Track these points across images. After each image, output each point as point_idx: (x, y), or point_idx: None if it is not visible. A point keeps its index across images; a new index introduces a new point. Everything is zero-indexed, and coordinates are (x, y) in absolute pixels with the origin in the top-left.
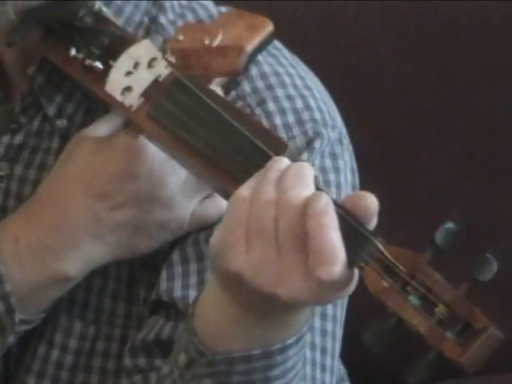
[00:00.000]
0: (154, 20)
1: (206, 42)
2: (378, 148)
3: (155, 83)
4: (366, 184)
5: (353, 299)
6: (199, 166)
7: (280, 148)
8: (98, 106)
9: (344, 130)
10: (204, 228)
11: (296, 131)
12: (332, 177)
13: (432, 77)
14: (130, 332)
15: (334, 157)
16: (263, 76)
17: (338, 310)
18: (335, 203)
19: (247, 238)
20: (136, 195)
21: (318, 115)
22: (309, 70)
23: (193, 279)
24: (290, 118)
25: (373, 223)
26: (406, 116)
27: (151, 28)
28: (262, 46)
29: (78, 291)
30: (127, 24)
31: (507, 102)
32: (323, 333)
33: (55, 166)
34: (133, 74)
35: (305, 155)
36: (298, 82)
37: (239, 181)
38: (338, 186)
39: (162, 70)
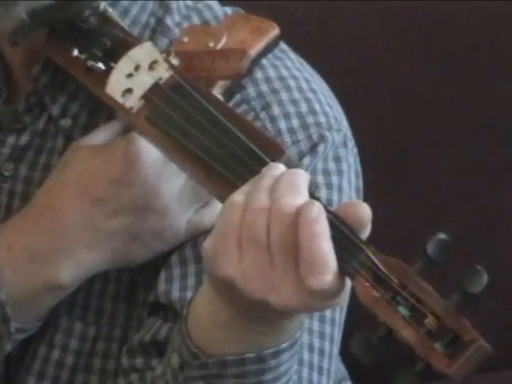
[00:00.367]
0: (160, 21)
1: (210, 44)
2: (377, 148)
3: (156, 86)
4: (366, 184)
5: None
6: (196, 171)
7: (276, 154)
8: (101, 106)
9: (349, 133)
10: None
11: (300, 135)
12: (335, 180)
13: (432, 77)
14: (130, 333)
15: (337, 160)
16: (268, 80)
17: (336, 313)
18: (328, 211)
19: (239, 245)
20: (132, 202)
21: (322, 119)
22: (314, 72)
23: (191, 281)
24: (295, 123)
25: (366, 232)
26: (405, 116)
27: (157, 29)
28: (266, 50)
29: (79, 293)
30: (133, 25)
31: (507, 101)
32: (321, 335)
33: (53, 171)
34: (134, 77)
35: (307, 159)
36: (304, 85)
37: (235, 186)
38: (341, 189)
39: (164, 72)
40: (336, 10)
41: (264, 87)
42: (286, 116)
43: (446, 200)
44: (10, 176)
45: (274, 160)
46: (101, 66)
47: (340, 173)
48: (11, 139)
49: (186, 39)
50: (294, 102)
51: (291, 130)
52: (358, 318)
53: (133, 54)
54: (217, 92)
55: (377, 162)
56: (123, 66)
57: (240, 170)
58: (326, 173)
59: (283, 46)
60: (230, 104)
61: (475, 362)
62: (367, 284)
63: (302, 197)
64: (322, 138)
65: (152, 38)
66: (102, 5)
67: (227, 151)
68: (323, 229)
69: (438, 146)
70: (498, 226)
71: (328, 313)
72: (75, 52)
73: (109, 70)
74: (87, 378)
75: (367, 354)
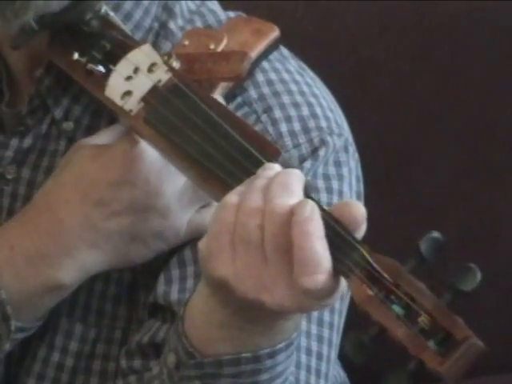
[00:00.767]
0: (163, 25)
1: (211, 46)
2: (377, 148)
3: (155, 88)
4: (366, 184)
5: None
6: (193, 172)
7: (272, 155)
8: (104, 109)
9: (350, 138)
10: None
11: (302, 139)
12: (335, 184)
13: (432, 77)
14: (130, 335)
15: (338, 164)
16: (270, 83)
17: (335, 316)
18: (323, 210)
19: (233, 245)
20: (132, 203)
21: (324, 123)
22: (316, 77)
23: (190, 282)
24: (296, 126)
25: (361, 232)
26: (405, 116)
27: (160, 34)
28: (267, 52)
29: (80, 294)
30: (136, 29)
31: (507, 102)
32: (320, 339)
33: (53, 173)
34: (133, 79)
35: (309, 162)
36: (305, 89)
37: (230, 187)
38: (341, 194)
39: (163, 75)
40: (336, 10)
41: (266, 90)
42: (288, 119)
43: (446, 201)
44: (12, 179)
45: (270, 161)
46: (100, 68)
47: (341, 177)
48: (14, 142)
49: (186, 42)
50: (296, 105)
51: (292, 134)
52: (350, 318)
53: (132, 57)
54: (218, 94)
55: (376, 162)
56: (122, 68)
57: (236, 172)
58: (327, 177)
59: (284, 51)
60: (232, 106)
61: (468, 359)
62: (361, 283)
63: (296, 197)
64: (323, 143)
65: (155, 43)
66: (104, 8)
67: (224, 153)
68: (317, 228)
69: (438, 146)
70: (497, 226)
71: (327, 316)
72: (75, 55)
73: (108, 72)
74: (87, 380)
75: (359, 354)
